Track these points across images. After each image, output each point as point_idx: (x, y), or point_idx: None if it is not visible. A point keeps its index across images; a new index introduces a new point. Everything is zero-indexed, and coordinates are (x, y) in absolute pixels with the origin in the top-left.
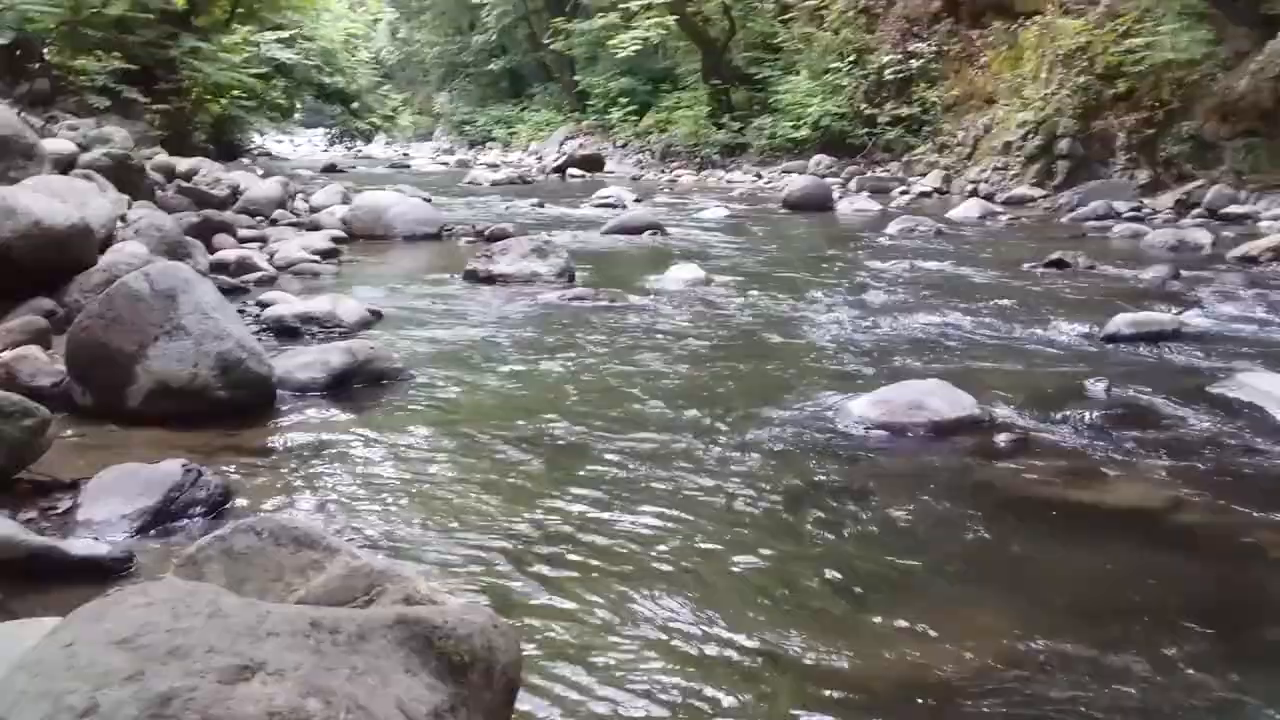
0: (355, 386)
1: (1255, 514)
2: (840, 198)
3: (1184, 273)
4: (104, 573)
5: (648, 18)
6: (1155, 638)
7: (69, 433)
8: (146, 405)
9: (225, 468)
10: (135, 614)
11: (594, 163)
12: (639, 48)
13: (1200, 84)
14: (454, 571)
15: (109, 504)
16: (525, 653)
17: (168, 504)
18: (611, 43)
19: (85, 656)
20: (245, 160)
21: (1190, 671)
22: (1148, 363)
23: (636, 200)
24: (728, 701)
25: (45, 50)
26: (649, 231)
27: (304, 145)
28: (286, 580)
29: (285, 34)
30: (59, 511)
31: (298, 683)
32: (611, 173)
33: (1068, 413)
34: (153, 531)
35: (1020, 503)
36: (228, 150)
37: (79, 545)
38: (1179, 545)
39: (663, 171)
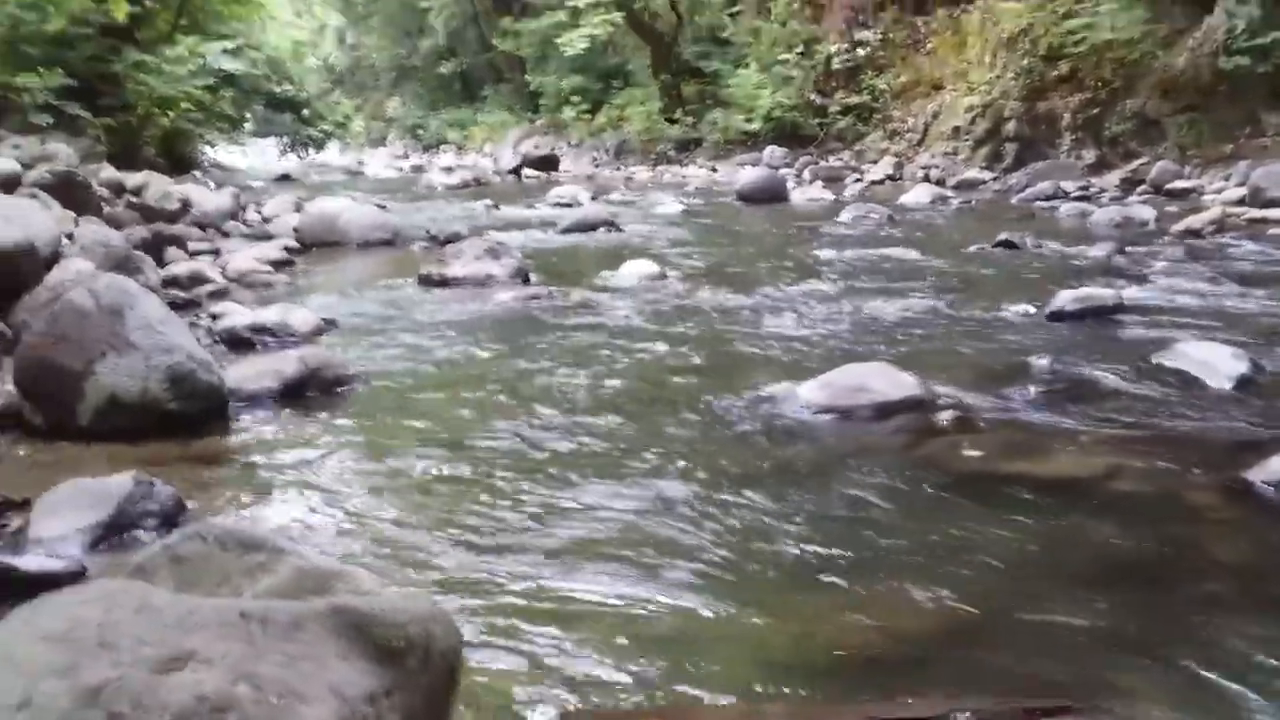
0: (308, 395)
1: (1189, 478)
2: (794, 188)
3: (1128, 248)
4: (59, 588)
5: (595, 15)
6: (1094, 600)
7: (20, 452)
8: (97, 421)
9: (179, 479)
10: (67, 612)
11: (549, 162)
12: (588, 45)
13: (1141, 62)
14: (406, 572)
15: (61, 520)
16: (486, 640)
17: (120, 517)
18: (560, 41)
19: (20, 653)
20: (197, 173)
21: (1128, 631)
22: (1090, 337)
23: (592, 198)
24: (676, 673)
25: None
26: (604, 228)
27: (257, 156)
28: (234, 583)
29: (231, 44)
30: (11, 530)
31: (227, 669)
32: (568, 171)
33: (1010, 389)
34: (106, 545)
35: (959, 477)
36: (179, 163)
37: (32, 562)
38: (1115, 511)
39: (618, 169)
